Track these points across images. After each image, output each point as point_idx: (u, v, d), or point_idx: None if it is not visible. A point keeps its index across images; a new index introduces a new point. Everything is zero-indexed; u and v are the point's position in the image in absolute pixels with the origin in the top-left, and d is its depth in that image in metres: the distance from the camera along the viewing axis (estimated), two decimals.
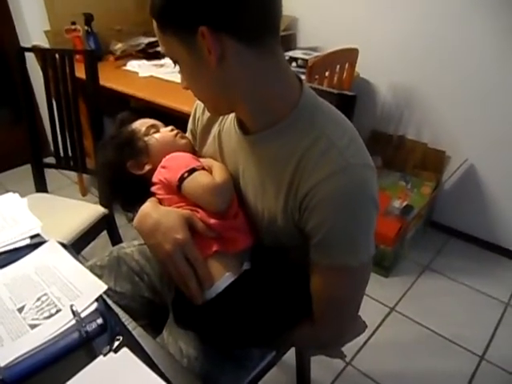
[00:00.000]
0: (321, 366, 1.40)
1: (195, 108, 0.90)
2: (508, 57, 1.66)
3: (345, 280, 0.70)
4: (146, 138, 0.84)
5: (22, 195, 1.05)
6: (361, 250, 0.68)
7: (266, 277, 0.74)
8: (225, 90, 0.66)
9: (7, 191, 1.04)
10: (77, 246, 1.35)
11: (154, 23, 0.64)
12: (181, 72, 0.69)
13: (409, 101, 2.00)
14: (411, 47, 1.90)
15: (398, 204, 1.89)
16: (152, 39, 2.40)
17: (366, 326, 0.88)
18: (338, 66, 1.74)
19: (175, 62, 0.67)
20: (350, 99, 0.86)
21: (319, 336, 0.77)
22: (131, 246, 1.04)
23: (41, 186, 1.65)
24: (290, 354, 1.07)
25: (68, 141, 1.54)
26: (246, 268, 0.74)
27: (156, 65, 2.18)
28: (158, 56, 2.28)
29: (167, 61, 2.22)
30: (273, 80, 0.66)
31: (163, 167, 0.78)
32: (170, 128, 0.87)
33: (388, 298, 1.70)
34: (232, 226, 0.74)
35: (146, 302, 0.97)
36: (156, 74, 2.04)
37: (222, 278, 0.71)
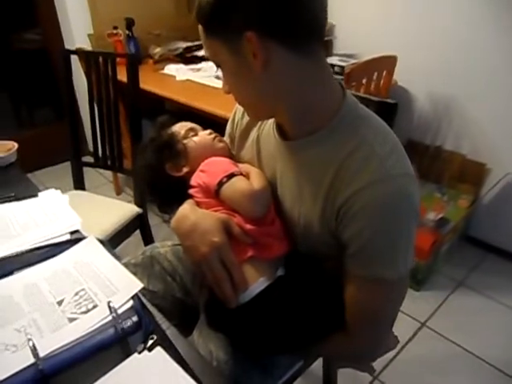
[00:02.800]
0: (347, 378, 1.37)
1: (234, 112, 0.90)
2: None
3: (381, 293, 0.68)
4: (184, 141, 0.85)
5: (61, 192, 1.08)
6: (399, 263, 0.66)
7: (300, 284, 0.74)
8: (267, 95, 0.66)
9: (46, 188, 1.07)
10: (111, 243, 1.39)
11: (200, 27, 0.65)
12: (223, 76, 0.69)
13: (447, 110, 1.95)
14: (452, 56, 1.85)
15: (432, 216, 1.84)
16: (190, 44, 2.45)
17: (398, 342, 0.86)
18: (376, 74, 1.72)
19: (218, 66, 0.68)
20: (391, 107, 0.85)
21: (351, 348, 0.76)
22: (165, 245, 1.05)
23: (79, 184, 1.70)
24: (317, 365, 1.06)
25: (107, 141, 1.58)
26: (280, 274, 0.74)
27: (193, 69, 2.21)
28: (195, 60, 2.32)
29: (204, 65, 2.26)
30: (316, 86, 0.66)
31: (202, 171, 0.79)
32: (208, 131, 0.88)
33: (419, 313, 1.65)
34: (268, 232, 0.74)
35: (177, 302, 0.98)
36: (193, 78, 2.08)
37: (257, 283, 0.71)
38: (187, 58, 2.36)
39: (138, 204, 1.57)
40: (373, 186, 0.62)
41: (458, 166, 1.97)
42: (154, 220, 1.71)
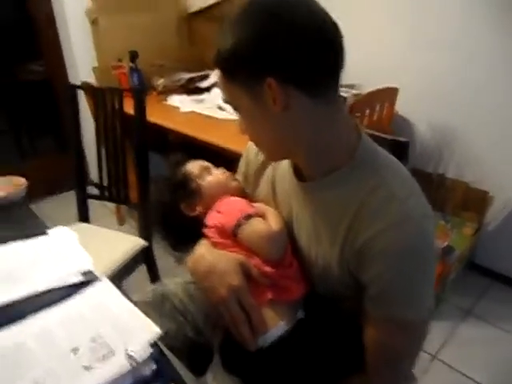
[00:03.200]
0: None
1: (247, 150, 0.91)
2: None
3: (402, 334, 0.67)
4: (199, 181, 0.85)
5: (63, 223, 1.07)
6: (420, 304, 0.66)
7: (320, 327, 0.73)
8: (285, 138, 0.67)
9: (51, 219, 1.06)
10: (117, 278, 1.37)
11: (218, 72, 0.66)
12: (241, 118, 0.70)
13: (449, 139, 1.97)
14: (452, 86, 1.88)
15: (438, 244, 1.83)
16: (192, 75, 2.49)
17: (416, 380, 0.84)
18: (378, 105, 1.75)
19: (236, 109, 0.69)
20: (404, 145, 0.86)
21: None
22: (173, 283, 1.04)
23: (83, 216, 1.69)
24: None
25: (113, 173, 1.58)
26: (300, 317, 0.73)
27: (196, 100, 2.24)
28: (197, 91, 2.35)
29: (206, 96, 2.29)
30: (332, 129, 0.67)
31: (218, 212, 0.79)
32: (222, 170, 0.89)
33: (430, 344, 1.62)
34: (287, 274, 0.73)
35: (188, 342, 0.96)
36: (197, 110, 2.10)
37: (277, 326, 0.70)
38: (190, 88, 2.39)
39: (143, 237, 1.56)
40: (393, 228, 0.63)
41: (461, 194, 1.98)
42: (157, 252, 1.70)
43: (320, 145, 0.67)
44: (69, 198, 2.67)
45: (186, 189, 0.84)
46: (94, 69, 2.55)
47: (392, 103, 1.83)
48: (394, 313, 0.65)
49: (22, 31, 2.65)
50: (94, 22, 2.44)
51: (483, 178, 1.92)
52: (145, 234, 1.57)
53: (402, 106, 1.99)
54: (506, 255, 1.95)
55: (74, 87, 1.59)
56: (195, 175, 0.86)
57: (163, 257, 2.09)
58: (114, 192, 1.62)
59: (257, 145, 0.75)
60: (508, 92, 1.74)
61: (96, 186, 1.69)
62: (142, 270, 1.59)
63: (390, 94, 1.80)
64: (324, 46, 0.60)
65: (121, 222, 2.52)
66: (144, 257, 1.56)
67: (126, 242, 1.52)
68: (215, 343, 0.92)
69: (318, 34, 0.59)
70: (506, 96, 1.75)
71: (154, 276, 1.62)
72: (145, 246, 1.53)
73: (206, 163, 0.90)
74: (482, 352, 1.61)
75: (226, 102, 0.69)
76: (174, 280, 1.05)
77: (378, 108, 1.75)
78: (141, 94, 1.47)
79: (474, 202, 1.95)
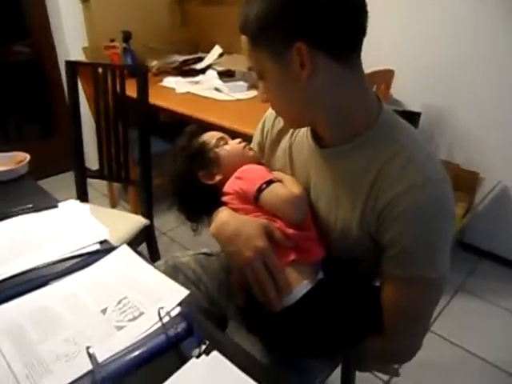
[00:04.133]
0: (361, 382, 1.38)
1: (263, 121, 0.92)
2: None
3: (421, 292, 0.71)
4: (216, 150, 0.86)
5: None
6: (439, 262, 0.69)
7: (339, 287, 0.75)
8: (309, 103, 0.68)
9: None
10: None
11: (244, 38, 0.67)
12: (264, 85, 0.71)
13: (441, 121, 2.02)
14: (444, 69, 1.92)
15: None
16: (186, 57, 2.48)
17: (398, 373, 0.89)
18: (375, 87, 1.78)
19: (261, 76, 0.70)
20: (415, 116, 0.88)
21: (390, 349, 0.77)
22: (186, 255, 1.05)
23: (83, 196, 1.68)
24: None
25: (113, 153, 1.57)
26: (320, 277, 0.76)
27: (191, 82, 2.23)
28: (192, 73, 2.34)
29: (201, 78, 2.28)
30: (356, 95, 0.69)
31: (239, 178, 0.80)
32: (238, 140, 0.90)
33: None
34: (308, 236, 0.76)
35: (202, 312, 0.97)
36: (193, 91, 2.09)
37: (300, 286, 0.72)
38: (184, 71, 2.38)
39: (144, 215, 1.56)
40: (413, 190, 0.65)
41: (452, 175, 1.99)
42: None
43: (344, 110, 0.69)
44: (62, 181, 2.65)
45: (204, 158, 0.85)
46: (85, 49, 2.51)
47: (388, 85, 1.86)
48: (413, 271, 0.68)
49: (8, 9, 2.57)
50: (85, 1, 2.39)
51: (474, 159, 1.99)
52: (146, 212, 1.57)
53: (396, 90, 2.03)
54: (494, 234, 2.03)
55: (74, 64, 1.56)
56: (213, 145, 0.87)
57: (159, 236, 2.11)
58: (114, 171, 1.60)
59: (279, 112, 0.76)
60: (499, 73, 1.79)
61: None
62: (141, 248, 1.58)
63: (386, 76, 1.83)
64: (353, 8, 0.62)
65: (113, 203, 2.50)
66: (145, 236, 1.56)
67: (127, 221, 1.52)
68: (230, 311, 0.95)
69: None
70: (496, 78, 1.80)
71: (155, 254, 1.62)
72: (147, 224, 1.53)
73: (222, 134, 0.91)
74: (473, 324, 1.69)
75: (251, 69, 0.70)
76: (186, 253, 1.07)
77: (374, 89, 1.78)
78: (144, 72, 1.46)
79: (465, 183, 2.01)
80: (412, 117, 0.86)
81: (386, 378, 1.44)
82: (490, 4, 1.73)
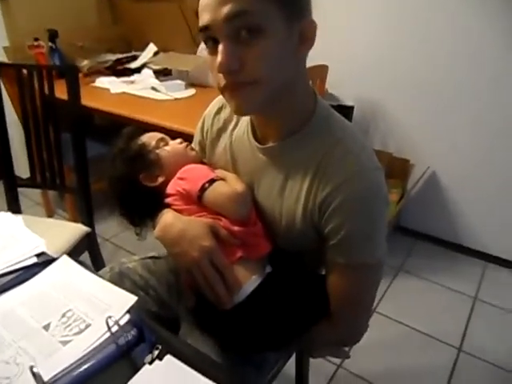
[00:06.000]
0: (313, 371, 1.42)
1: (203, 120, 0.92)
2: (469, 69, 1.83)
3: (362, 277, 0.75)
4: (157, 151, 0.85)
5: None
6: (377, 248, 0.73)
7: (287, 279, 0.77)
8: (284, 77, 0.65)
9: None
10: None
11: None
12: (254, 46, 0.60)
13: (374, 113, 2.13)
14: (377, 62, 2.03)
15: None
16: (119, 56, 2.38)
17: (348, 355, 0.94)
18: (310, 82, 1.83)
19: (256, 29, 0.59)
20: (349, 109, 0.92)
21: (337, 334, 0.81)
22: (132, 260, 1.02)
23: (13, 206, 1.57)
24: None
25: (45, 159, 1.49)
26: (268, 271, 0.77)
27: (126, 81, 2.16)
28: (127, 73, 2.26)
29: (136, 77, 2.21)
30: (303, 88, 0.72)
31: (181, 178, 0.79)
32: (178, 140, 0.89)
33: None
34: (253, 232, 0.77)
35: (152, 317, 0.95)
36: (128, 91, 2.03)
37: (249, 281, 0.73)
38: (118, 70, 2.29)
39: (85, 223, 1.50)
40: (350, 181, 0.68)
41: (386, 163, 2.15)
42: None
43: (297, 101, 0.71)
44: None
45: (144, 160, 0.83)
46: (6, 48, 2.33)
47: (323, 80, 1.92)
48: (354, 258, 0.72)
49: None
50: None
51: (405, 148, 2.12)
52: (87, 220, 1.50)
53: (330, 84, 2.10)
54: (427, 216, 2.18)
55: None
56: (153, 146, 0.85)
57: (103, 242, 2.03)
58: (48, 179, 1.52)
59: (253, 82, 0.63)
60: (426, 63, 1.92)
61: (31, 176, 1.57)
62: (84, 258, 1.52)
63: (320, 71, 1.89)
64: None
65: (49, 213, 2.37)
66: (87, 244, 1.50)
67: (67, 230, 1.44)
68: (182, 312, 0.94)
69: None
70: (424, 69, 1.93)
71: (99, 262, 1.56)
72: (88, 232, 1.46)
73: (161, 134, 0.89)
74: (414, 301, 1.81)
75: (237, 15, 0.57)
76: (132, 258, 1.04)
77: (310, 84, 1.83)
78: (73, 72, 1.38)
79: (398, 170, 2.14)
80: (345, 110, 0.89)
81: (337, 361, 1.51)
82: None
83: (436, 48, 1.86)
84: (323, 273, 0.80)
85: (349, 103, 2.17)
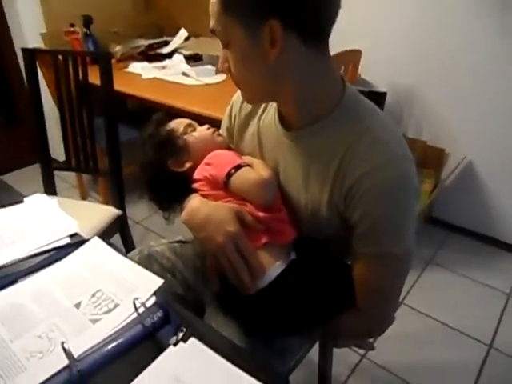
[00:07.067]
0: (336, 360, 1.42)
1: (231, 106, 0.92)
2: (507, 57, 1.73)
3: (389, 267, 0.73)
4: (185, 137, 0.85)
5: None
6: (405, 238, 0.71)
7: (311, 266, 0.77)
8: (272, 80, 0.68)
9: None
10: None
11: (215, 1, 0.63)
12: (230, 54, 0.68)
13: (408, 100, 2.06)
14: (412, 47, 1.95)
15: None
16: (151, 41, 2.41)
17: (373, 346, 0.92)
18: (343, 68, 1.79)
19: (226, 45, 0.67)
20: (381, 96, 0.90)
21: (362, 324, 0.80)
22: (160, 244, 1.05)
23: (50, 189, 1.63)
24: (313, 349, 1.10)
25: (80, 143, 1.53)
26: (293, 258, 0.77)
27: (158, 67, 2.18)
28: (159, 58, 2.28)
29: (168, 62, 2.23)
30: (321, 78, 0.69)
31: (208, 164, 0.80)
32: (206, 126, 0.89)
33: None
34: (279, 218, 0.76)
35: (178, 299, 0.97)
36: (159, 76, 2.05)
37: (273, 267, 0.73)
38: (150, 55, 2.32)
39: (116, 206, 1.54)
40: (378, 169, 0.67)
41: (420, 152, 2.08)
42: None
43: (309, 93, 0.69)
44: (28, 174, 2.57)
45: (172, 146, 0.84)
46: (43, 35, 2.40)
47: (356, 65, 1.87)
48: (381, 248, 0.70)
49: None
50: None
51: (440, 136, 2.04)
52: (118, 203, 1.54)
53: (364, 70, 2.05)
54: (461, 209, 2.11)
55: (33, 51, 1.49)
56: (181, 132, 0.86)
57: (133, 225, 2.08)
58: (82, 162, 1.56)
59: (239, 84, 0.74)
60: (467, 54, 1.83)
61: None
62: (116, 239, 1.56)
63: (353, 56, 1.84)
64: None
65: (83, 195, 2.45)
66: (118, 226, 1.54)
67: (98, 212, 1.49)
68: (207, 296, 0.95)
69: None
70: (464, 58, 1.84)
71: (129, 245, 1.60)
72: (119, 215, 1.50)
73: (190, 121, 0.90)
74: (443, 295, 1.77)
75: (214, 32, 0.67)
76: (160, 241, 1.06)
77: (342, 70, 1.79)
78: (107, 59, 1.41)
79: (432, 159, 2.07)
80: (377, 97, 0.87)
81: (362, 352, 1.50)
82: None
83: (477, 32, 1.77)
84: (349, 262, 0.79)
85: (382, 89, 2.11)
